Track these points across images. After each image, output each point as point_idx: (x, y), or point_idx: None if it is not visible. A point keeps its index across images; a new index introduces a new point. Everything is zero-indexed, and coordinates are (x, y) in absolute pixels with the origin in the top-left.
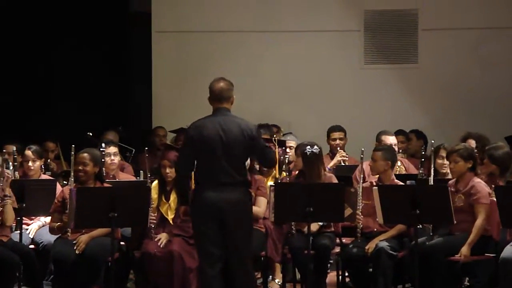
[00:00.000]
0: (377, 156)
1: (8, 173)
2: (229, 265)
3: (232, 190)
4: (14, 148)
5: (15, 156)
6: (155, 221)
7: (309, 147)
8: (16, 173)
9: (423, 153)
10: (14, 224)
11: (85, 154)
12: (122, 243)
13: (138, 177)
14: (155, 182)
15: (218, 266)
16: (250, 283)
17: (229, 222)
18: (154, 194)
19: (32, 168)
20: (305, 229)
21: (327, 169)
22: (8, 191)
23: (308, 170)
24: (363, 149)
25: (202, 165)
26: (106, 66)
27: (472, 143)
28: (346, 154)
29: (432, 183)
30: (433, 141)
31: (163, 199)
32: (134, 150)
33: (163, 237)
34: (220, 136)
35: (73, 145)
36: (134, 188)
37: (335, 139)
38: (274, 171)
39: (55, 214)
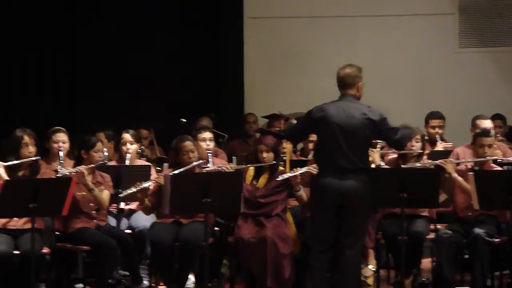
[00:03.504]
0: None
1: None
2: (340, 247)
3: (353, 177)
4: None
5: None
6: None
7: None
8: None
9: None
10: (115, 210)
11: (190, 142)
12: (216, 228)
13: (230, 163)
14: (251, 169)
15: (327, 253)
16: (356, 267)
17: (348, 209)
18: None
19: (130, 150)
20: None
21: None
22: (96, 177)
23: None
24: None
25: (324, 150)
26: (198, 52)
27: None
28: (451, 144)
29: None
30: None
31: (256, 184)
32: (226, 136)
33: None
34: (342, 121)
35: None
36: (227, 175)
37: (434, 127)
38: None
39: (150, 197)
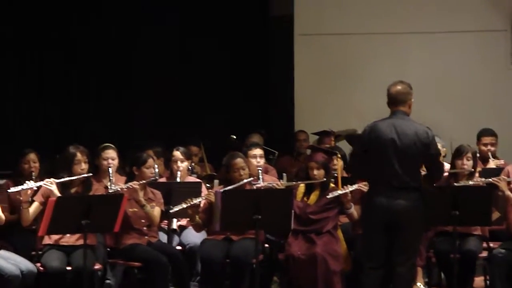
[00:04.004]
0: None
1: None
2: (392, 265)
3: (404, 196)
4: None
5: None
6: None
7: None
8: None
9: None
10: (165, 226)
11: (241, 159)
12: (266, 245)
13: (281, 180)
14: (301, 186)
15: (378, 270)
16: (408, 285)
17: (399, 227)
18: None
19: (180, 168)
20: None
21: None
22: (147, 193)
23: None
24: None
25: (375, 168)
26: (248, 69)
27: None
28: (503, 162)
29: None
30: None
31: (307, 200)
32: (277, 153)
33: None
34: (394, 139)
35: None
36: (278, 191)
37: (486, 144)
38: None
39: (200, 214)
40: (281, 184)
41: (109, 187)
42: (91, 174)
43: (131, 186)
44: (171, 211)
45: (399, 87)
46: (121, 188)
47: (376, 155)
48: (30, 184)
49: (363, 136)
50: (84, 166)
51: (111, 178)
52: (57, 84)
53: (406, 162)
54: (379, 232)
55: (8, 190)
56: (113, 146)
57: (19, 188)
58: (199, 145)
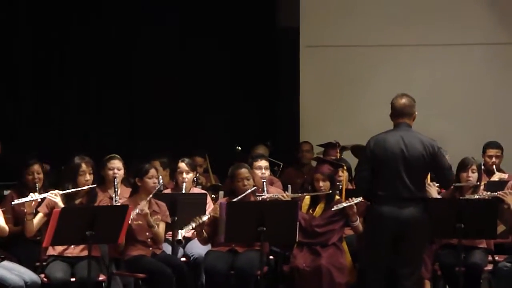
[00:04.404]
0: None
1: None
2: (397, 277)
3: (411, 206)
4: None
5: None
6: None
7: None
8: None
9: None
10: (171, 237)
11: (246, 170)
12: (271, 257)
13: (286, 192)
14: (307, 198)
15: (382, 281)
16: None
17: (406, 238)
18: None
19: (186, 180)
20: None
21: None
22: (152, 205)
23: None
24: None
25: (382, 178)
26: (254, 80)
27: None
28: (506, 176)
29: None
30: None
31: (312, 213)
32: (282, 164)
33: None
34: (402, 150)
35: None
36: (283, 203)
37: (491, 156)
38: None
39: (205, 227)
40: (286, 195)
41: (114, 198)
42: (95, 185)
43: (142, 211)
44: (181, 230)
45: (404, 100)
46: (133, 217)
47: (384, 167)
48: (34, 196)
49: (366, 149)
50: (89, 177)
51: (116, 189)
52: (56, 84)
53: (414, 173)
54: (385, 243)
55: (12, 203)
56: (118, 156)
57: (22, 200)
58: (204, 156)
